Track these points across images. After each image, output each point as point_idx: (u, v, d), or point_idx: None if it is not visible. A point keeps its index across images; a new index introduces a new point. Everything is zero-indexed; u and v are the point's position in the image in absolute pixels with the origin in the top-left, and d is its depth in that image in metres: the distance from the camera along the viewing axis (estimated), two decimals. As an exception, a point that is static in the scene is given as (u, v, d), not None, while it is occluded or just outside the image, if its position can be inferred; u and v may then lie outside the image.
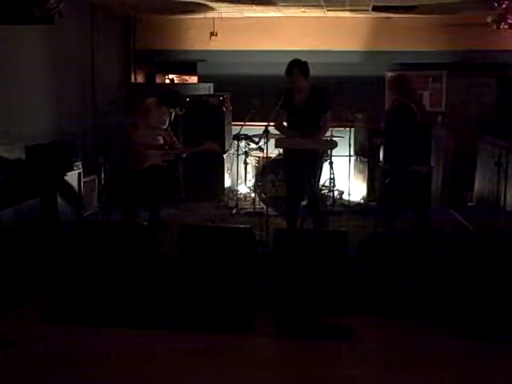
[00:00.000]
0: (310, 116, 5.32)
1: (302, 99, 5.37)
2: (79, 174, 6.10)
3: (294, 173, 5.49)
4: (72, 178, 6.00)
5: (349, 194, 7.40)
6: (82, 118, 7.24)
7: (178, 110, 5.97)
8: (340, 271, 4.50)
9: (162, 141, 5.95)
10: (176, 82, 9.74)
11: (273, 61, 8.10)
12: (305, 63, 5.32)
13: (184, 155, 6.22)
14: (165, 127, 5.97)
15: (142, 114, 5.83)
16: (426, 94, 8.43)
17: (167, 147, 5.98)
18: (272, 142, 5.55)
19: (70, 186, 5.96)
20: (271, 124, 5.43)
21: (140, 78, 9.12)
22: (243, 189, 7.68)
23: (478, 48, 8.05)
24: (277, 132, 5.70)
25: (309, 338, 4.12)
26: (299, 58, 5.37)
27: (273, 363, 3.85)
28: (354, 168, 7.63)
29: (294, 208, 5.57)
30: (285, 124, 5.57)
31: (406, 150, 5.71)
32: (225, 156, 7.65)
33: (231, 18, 8.36)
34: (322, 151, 5.75)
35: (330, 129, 5.93)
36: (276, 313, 4.46)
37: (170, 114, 5.96)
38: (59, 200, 5.74)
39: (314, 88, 5.39)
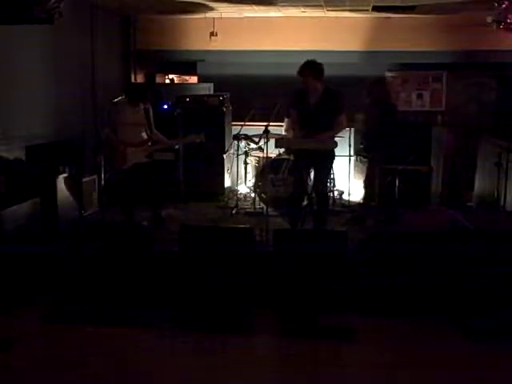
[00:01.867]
0: (322, 118, 5.25)
1: (315, 101, 5.29)
2: (79, 173, 6.10)
3: (301, 173, 5.47)
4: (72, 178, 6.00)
5: (349, 194, 7.39)
6: (81, 118, 7.24)
7: (145, 102, 5.82)
8: (340, 271, 4.50)
9: (144, 137, 5.83)
10: (176, 81, 9.74)
11: (273, 61, 8.11)
12: (319, 65, 5.22)
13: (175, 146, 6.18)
14: (141, 123, 5.80)
15: (113, 115, 5.77)
16: (426, 94, 8.44)
17: (150, 143, 5.87)
18: (272, 142, 5.54)
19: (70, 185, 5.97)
20: (272, 124, 5.43)
21: (140, 78, 9.12)
22: (243, 189, 7.67)
23: (478, 48, 8.06)
24: (276, 132, 5.69)
25: (309, 338, 4.11)
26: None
27: (273, 363, 3.85)
28: (354, 168, 7.62)
29: (297, 207, 5.57)
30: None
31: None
32: (225, 156, 7.64)
33: (231, 18, 8.37)
34: (332, 151, 5.72)
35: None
36: (276, 313, 4.46)
37: (146, 109, 5.80)
38: (59, 200, 5.75)
39: (328, 90, 5.30)
